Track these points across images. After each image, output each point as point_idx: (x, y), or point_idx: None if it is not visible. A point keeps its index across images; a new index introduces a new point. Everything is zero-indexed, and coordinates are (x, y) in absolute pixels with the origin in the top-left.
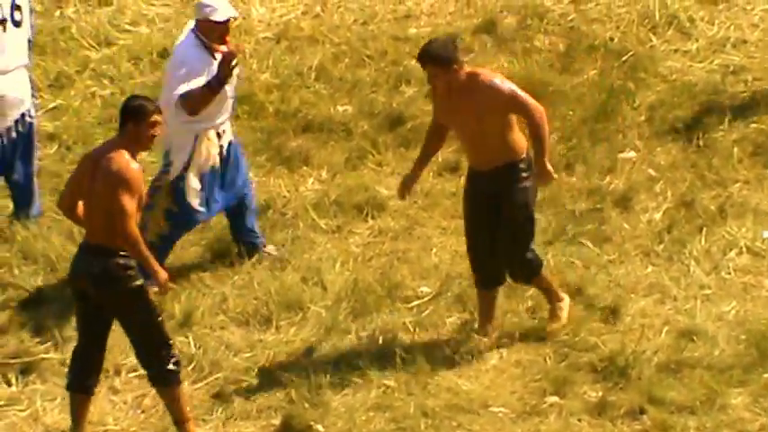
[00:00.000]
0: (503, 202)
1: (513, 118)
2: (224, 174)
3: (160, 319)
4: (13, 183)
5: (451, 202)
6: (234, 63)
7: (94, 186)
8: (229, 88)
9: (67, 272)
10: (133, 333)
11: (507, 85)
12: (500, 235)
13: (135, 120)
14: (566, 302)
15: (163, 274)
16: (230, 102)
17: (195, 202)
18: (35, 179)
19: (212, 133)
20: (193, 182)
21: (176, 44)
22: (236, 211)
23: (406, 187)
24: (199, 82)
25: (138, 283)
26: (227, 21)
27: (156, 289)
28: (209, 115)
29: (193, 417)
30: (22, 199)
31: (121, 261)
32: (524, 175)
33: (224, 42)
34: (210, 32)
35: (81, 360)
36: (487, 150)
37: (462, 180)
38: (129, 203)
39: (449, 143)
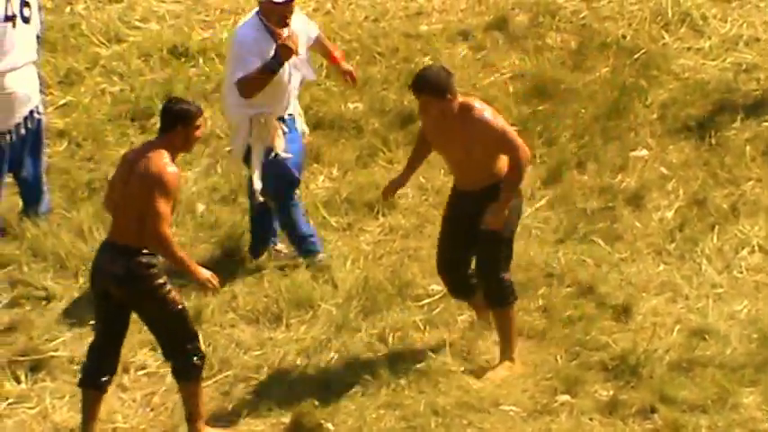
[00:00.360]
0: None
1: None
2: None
3: (184, 314)
4: (21, 180)
5: None
6: (292, 49)
7: (129, 186)
8: (292, 75)
9: (89, 272)
10: (157, 329)
11: (499, 123)
12: (478, 254)
13: (183, 123)
14: (512, 366)
15: (202, 274)
16: (290, 91)
17: (258, 184)
18: (44, 176)
19: (267, 119)
20: (258, 167)
21: (238, 26)
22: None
23: (392, 189)
24: (257, 64)
25: (161, 281)
26: (288, 2)
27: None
28: (264, 101)
29: (205, 415)
30: (31, 196)
31: (144, 260)
32: None
33: (285, 24)
34: (271, 14)
35: (97, 358)
36: (473, 174)
37: None
38: (165, 206)
39: None
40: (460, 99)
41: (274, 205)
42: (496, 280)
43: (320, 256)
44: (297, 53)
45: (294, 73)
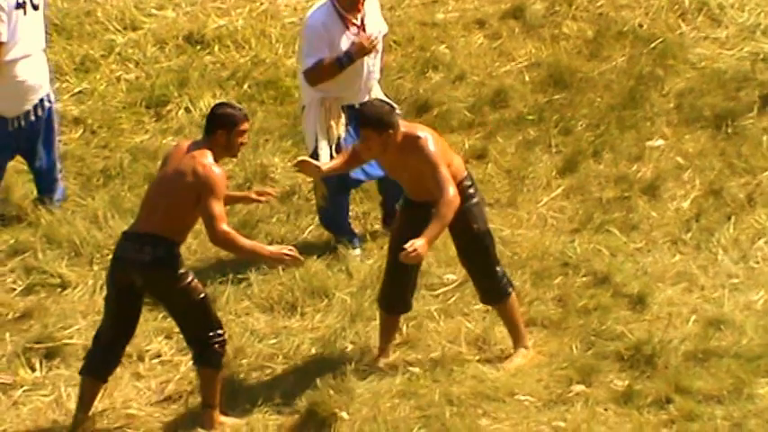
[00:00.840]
0: (456, 225)
1: (447, 152)
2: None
3: (207, 301)
4: (35, 169)
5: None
6: (368, 48)
7: (166, 180)
8: (367, 65)
9: (110, 263)
10: (180, 317)
11: (434, 158)
12: (467, 260)
13: (225, 128)
14: (528, 353)
15: (275, 253)
16: (363, 80)
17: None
18: (58, 165)
19: (333, 104)
20: (324, 148)
21: (311, 10)
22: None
23: (309, 166)
24: (326, 52)
25: (184, 270)
26: None
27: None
28: (332, 85)
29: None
30: (46, 185)
31: (169, 248)
32: (471, 192)
33: (357, 10)
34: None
35: (103, 350)
36: (423, 188)
37: (489, 167)
38: (218, 207)
39: (475, 129)
40: (406, 129)
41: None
42: (492, 277)
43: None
44: (371, 51)
45: (370, 63)
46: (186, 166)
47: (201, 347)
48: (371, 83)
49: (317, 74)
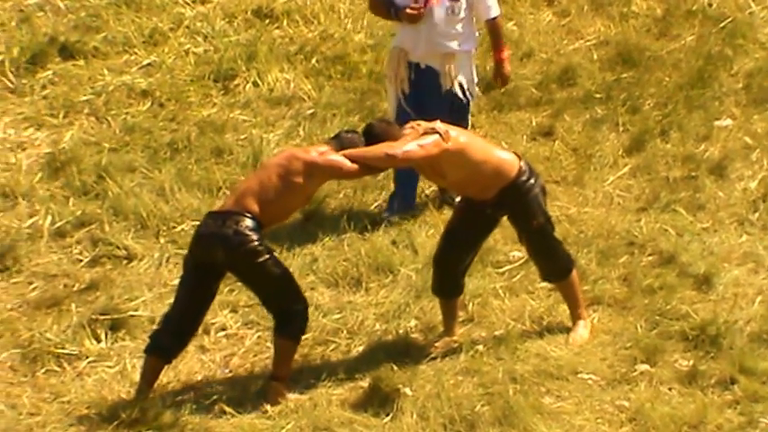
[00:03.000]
0: (516, 221)
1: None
2: (419, 101)
3: (289, 274)
4: None
5: (545, 166)
6: (415, 17)
7: (270, 164)
8: (437, 27)
9: (191, 241)
10: (263, 290)
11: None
12: (522, 243)
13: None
14: (588, 324)
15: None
16: (424, 39)
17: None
18: None
19: (401, 57)
20: (392, 99)
21: None
22: None
23: None
24: None
25: (264, 246)
26: None
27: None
28: (400, 37)
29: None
30: None
31: (250, 223)
32: (528, 186)
33: None
34: None
35: (173, 332)
36: (471, 189)
37: (556, 145)
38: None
39: (542, 107)
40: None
41: None
42: (552, 258)
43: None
44: (415, 21)
45: (439, 28)
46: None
47: (283, 318)
48: (439, 49)
49: (372, 5)
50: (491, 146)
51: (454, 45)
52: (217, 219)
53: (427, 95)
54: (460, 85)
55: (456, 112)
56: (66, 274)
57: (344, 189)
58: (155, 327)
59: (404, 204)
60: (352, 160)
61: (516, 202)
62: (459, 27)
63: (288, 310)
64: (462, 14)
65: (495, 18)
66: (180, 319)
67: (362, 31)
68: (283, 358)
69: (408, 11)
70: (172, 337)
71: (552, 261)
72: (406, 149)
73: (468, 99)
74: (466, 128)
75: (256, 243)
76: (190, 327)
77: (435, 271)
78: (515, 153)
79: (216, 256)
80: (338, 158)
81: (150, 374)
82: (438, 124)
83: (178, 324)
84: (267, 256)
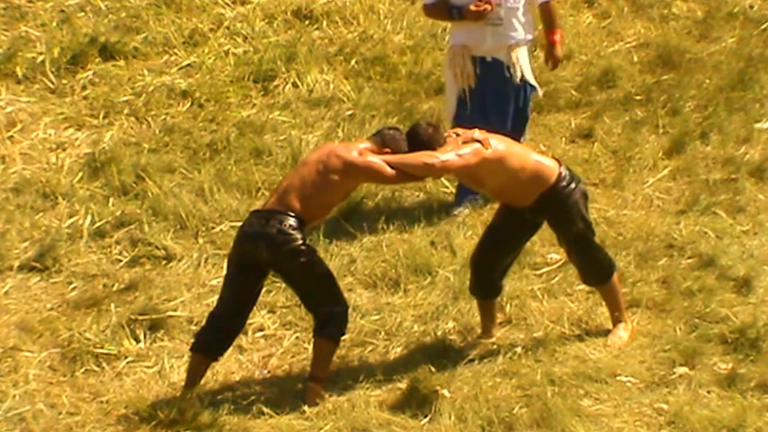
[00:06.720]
0: (556, 226)
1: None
2: (482, 97)
3: (331, 275)
4: None
5: (584, 168)
6: (481, 15)
7: (311, 161)
8: (500, 19)
9: (234, 240)
10: (304, 290)
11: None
12: (562, 247)
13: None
14: (628, 327)
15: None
16: (489, 31)
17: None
18: None
19: (464, 54)
20: (451, 96)
21: None
22: None
23: None
24: None
25: (307, 245)
26: None
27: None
28: (460, 34)
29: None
30: None
31: (294, 222)
32: (568, 191)
33: None
34: None
35: (218, 330)
36: (511, 196)
37: (596, 147)
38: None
39: (582, 109)
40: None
41: None
42: (592, 263)
43: (463, 210)
44: (480, 19)
45: (504, 16)
46: (358, 161)
47: (324, 319)
48: (504, 41)
49: (429, 11)
50: (530, 152)
51: (519, 35)
52: (261, 217)
53: (489, 91)
54: (522, 76)
55: (517, 107)
56: (105, 274)
57: (382, 191)
58: (195, 326)
59: (473, 195)
60: (391, 166)
61: (555, 207)
62: (520, 15)
63: (329, 310)
64: (521, 2)
65: (548, 1)
66: (224, 317)
67: (402, 32)
68: (322, 359)
69: (473, 8)
70: (217, 334)
71: (592, 266)
72: (445, 159)
73: (532, 90)
74: (527, 120)
75: (300, 242)
76: (234, 325)
77: (472, 271)
78: (556, 158)
79: (260, 254)
80: (378, 162)
81: (195, 372)
82: (477, 133)
83: (223, 322)
84: (310, 256)
